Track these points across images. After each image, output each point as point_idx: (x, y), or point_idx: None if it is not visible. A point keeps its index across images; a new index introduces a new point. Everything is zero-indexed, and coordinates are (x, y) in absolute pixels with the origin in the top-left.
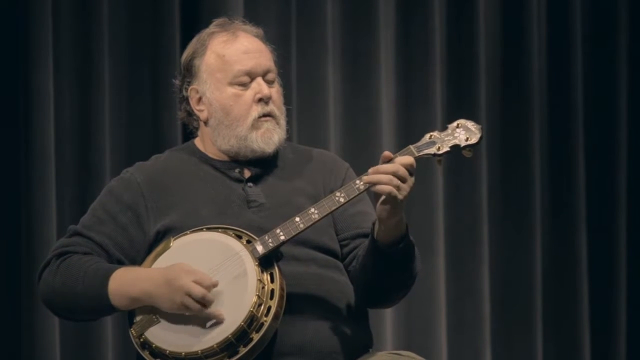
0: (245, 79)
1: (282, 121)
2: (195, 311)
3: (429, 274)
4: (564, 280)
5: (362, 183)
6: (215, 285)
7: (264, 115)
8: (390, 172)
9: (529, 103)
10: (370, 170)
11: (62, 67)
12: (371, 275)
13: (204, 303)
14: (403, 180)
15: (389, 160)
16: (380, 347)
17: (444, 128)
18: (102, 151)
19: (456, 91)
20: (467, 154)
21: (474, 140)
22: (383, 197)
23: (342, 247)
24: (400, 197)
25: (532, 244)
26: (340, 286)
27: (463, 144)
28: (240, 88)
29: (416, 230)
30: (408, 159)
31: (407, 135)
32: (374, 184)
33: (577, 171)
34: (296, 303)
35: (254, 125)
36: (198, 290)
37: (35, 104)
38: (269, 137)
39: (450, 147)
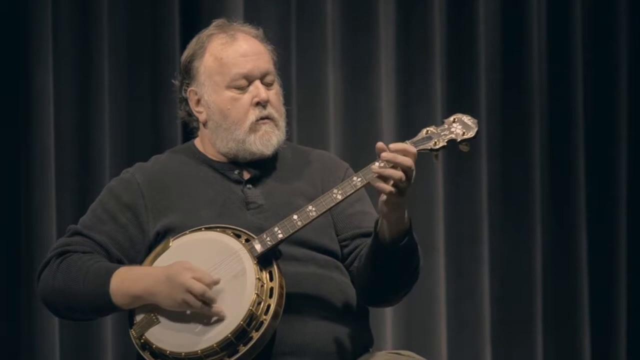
0: (243, 82)
1: (281, 123)
2: (196, 308)
3: (429, 273)
4: (564, 280)
5: (359, 179)
6: (216, 282)
7: (262, 118)
8: (407, 166)
9: (529, 103)
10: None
11: (62, 67)
12: (374, 272)
13: (205, 300)
14: (410, 178)
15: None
16: (380, 347)
17: (440, 123)
18: (102, 151)
19: (456, 91)
20: (464, 148)
21: (470, 134)
22: (386, 193)
23: (342, 247)
24: (401, 198)
25: (532, 244)
26: (340, 286)
27: (460, 138)
28: (238, 91)
29: (416, 229)
30: (411, 148)
31: (407, 135)
32: (386, 176)
33: (577, 171)
34: (296, 303)
35: (252, 128)
36: (199, 287)
37: (35, 104)
38: (268, 140)
39: (447, 142)
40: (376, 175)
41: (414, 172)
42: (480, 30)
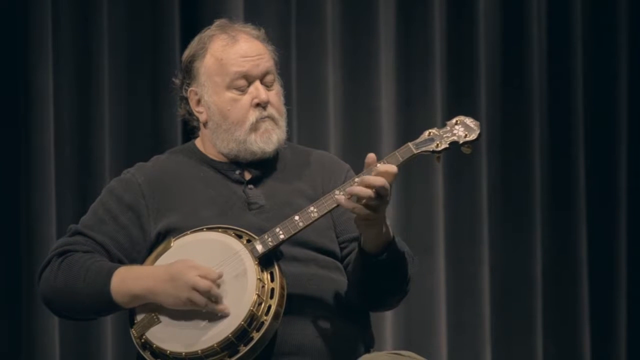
0: (242, 82)
1: (282, 122)
2: (201, 305)
3: (429, 274)
4: (564, 280)
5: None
6: (220, 277)
7: (262, 118)
8: (376, 186)
9: (529, 102)
10: (358, 180)
11: (62, 67)
12: (362, 279)
13: (210, 297)
14: (383, 197)
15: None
16: (380, 347)
17: (442, 125)
18: (102, 151)
19: (456, 91)
20: (466, 150)
21: (472, 136)
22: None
23: (341, 249)
24: (374, 215)
25: (532, 244)
26: (340, 287)
27: (462, 140)
28: (238, 92)
29: (416, 230)
30: (392, 169)
31: (407, 135)
32: (357, 196)
33: (577, 171)
34: (297, 303)
35: (253, 128)
36: (204, 284)
37: (35, 104)
38: (268, 137)
39: (449, 144)
40: (346, 195)
41: (389, 192)
42: (480, 30)
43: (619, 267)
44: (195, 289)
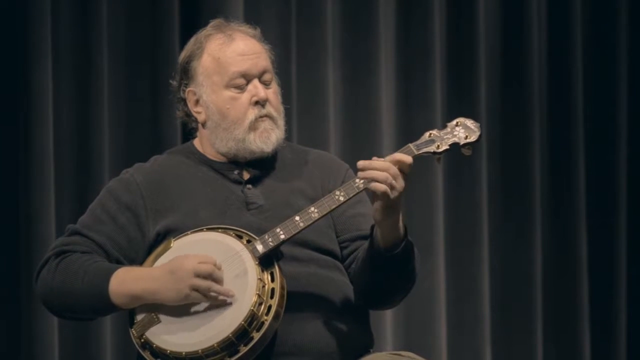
0: (241, 81)
1: (280, 121)
2: (205, 289)
3: (429, 274)
4: (564, 280)
5: (361, 181)
6: (218, 266)
7: (261, 117)
8: (383, 169)
9: (529, 103)
10: (362, 164)
11: (62, 67)
12: (370, 277)
13: (213, 279)
14: (395, 177)
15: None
16: (380, 347)
17: (443, 126)
18: (101, 151)
19: (456, 91)
20: (466, 152)
21: (473, 138)
22: (378, 197)
23: (342, 249)
24: (392, 195)
25: (532, 244)
26: (340, 286)
27: (462, 142)
28: (237, 91)
29: (416, 230)
30: (403, 157)
31: (407, 135)
32: (369, 179)
33: (577, 171)
34: (297, 303)
35: (251, 127)
36: (205, 267)
37: (35, 104)
38: (267, 137)
39: (450, 146)
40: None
41: (401, 174)
42: (480, 30)
43: (619, 267)
44: (197, 274)
